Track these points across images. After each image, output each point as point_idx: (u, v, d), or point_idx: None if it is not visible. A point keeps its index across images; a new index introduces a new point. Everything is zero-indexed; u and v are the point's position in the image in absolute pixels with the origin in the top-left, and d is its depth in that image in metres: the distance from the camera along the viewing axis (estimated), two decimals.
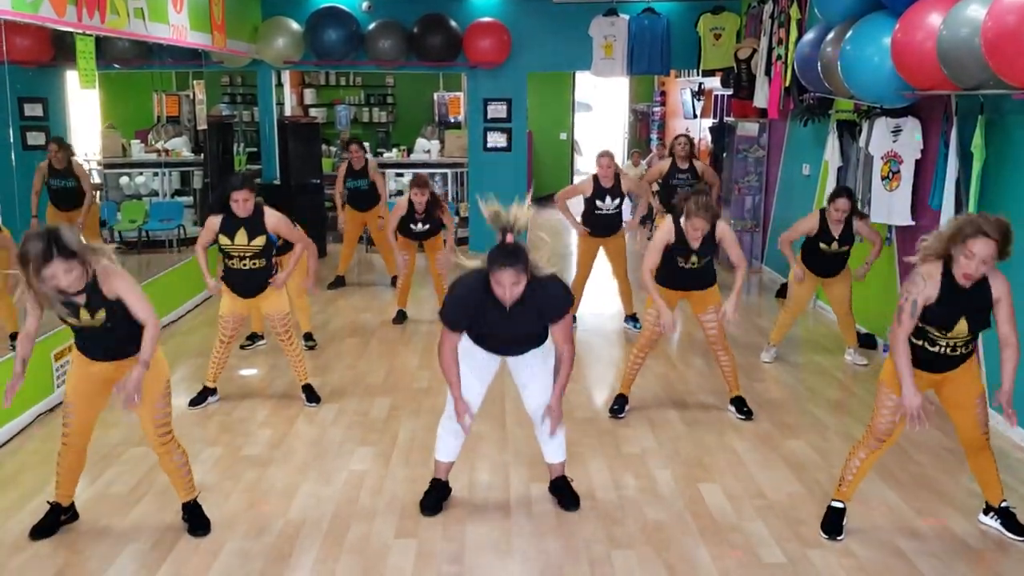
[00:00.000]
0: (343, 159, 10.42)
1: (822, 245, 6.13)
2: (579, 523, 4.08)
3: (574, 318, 7.43)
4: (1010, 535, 3.94)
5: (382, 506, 4.24)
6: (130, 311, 3.65)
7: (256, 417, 5.40)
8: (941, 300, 3.56)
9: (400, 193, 11.34)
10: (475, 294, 3.78)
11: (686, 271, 5.30)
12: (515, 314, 3.74)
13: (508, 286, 3.62)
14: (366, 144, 9.21)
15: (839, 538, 3.93)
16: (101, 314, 3.62)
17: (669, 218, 5.28)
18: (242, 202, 5.25)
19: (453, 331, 3.87)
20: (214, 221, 5.36)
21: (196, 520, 3.99)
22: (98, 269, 3.57)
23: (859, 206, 6.76)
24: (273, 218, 5.41)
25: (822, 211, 6.12)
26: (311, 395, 5.61)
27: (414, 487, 4.39)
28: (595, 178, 7.01)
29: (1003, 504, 4.00)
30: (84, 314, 3.61)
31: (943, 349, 3.68)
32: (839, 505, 4.02)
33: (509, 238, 3.69)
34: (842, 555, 3.81)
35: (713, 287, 5.40)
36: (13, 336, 5.53)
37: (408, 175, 11.37)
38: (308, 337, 6.85)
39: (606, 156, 7.01)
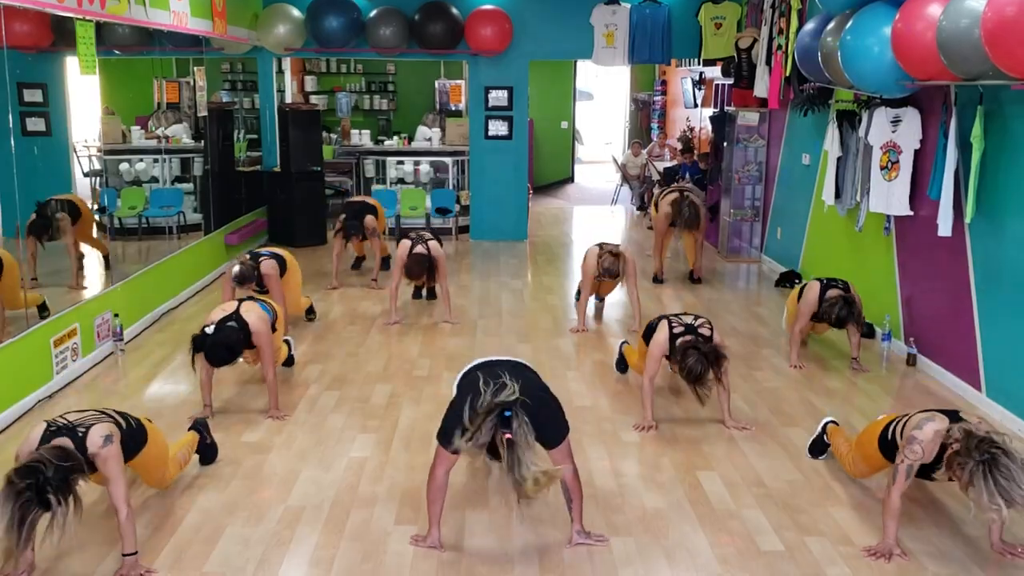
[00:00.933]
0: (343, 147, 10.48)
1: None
2: None
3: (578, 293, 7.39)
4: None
5: (382, 493, 4.27)
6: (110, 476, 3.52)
7: (256, 404, 5.42)
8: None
9: (401, 181, 11.36)
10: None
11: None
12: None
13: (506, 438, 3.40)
14: (371, 222, 8.49)
15: (822, 457, 4.58)
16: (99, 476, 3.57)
17: (665, 331, 5.04)
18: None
19: (448, 449, 3.59)
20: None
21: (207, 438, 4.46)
22: (97, 460, 3.48)
23: (858, 196, 6.78)
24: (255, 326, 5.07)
25: (821, 289, 5.99)
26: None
27: (414, 474, 4.41)
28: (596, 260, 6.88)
29: None
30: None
31: None
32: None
33: (508, 437, 3.35)
34: (839, 542, 3.83)
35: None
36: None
37: (409, 163, 11.40)
38: (309, 310, 7.12)
39: (608, 259, 6.81)
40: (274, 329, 5.34)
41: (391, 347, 6.61)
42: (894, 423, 3.90)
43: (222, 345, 4.87)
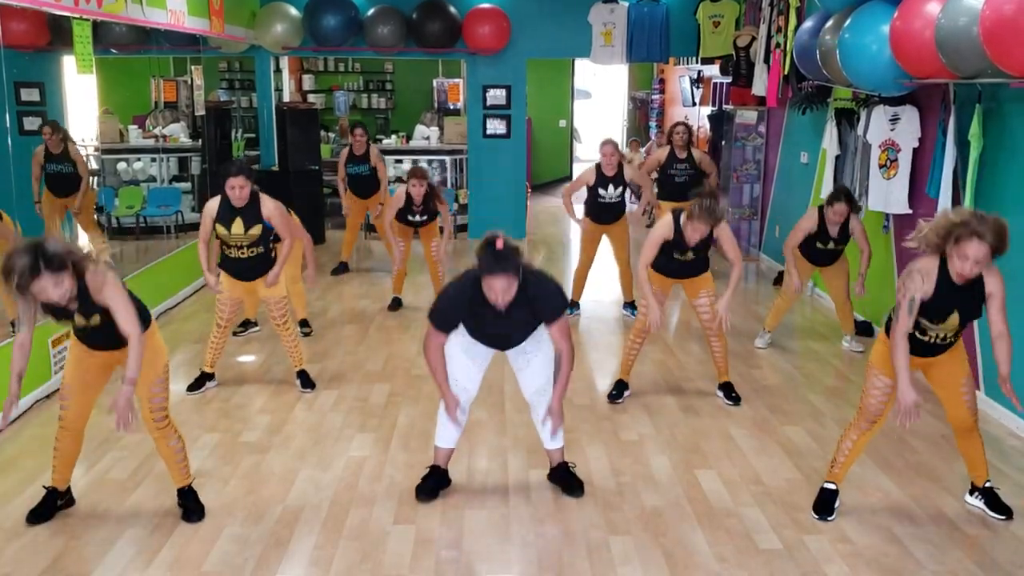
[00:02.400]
0: (344, 145, 10.44)
1: (819, 244, 6.18)
2: (577, 509, 4.10)
3: (576, 304, 7.44)
4: (992, 514, 4.04)
5: (381, 492, 4.26)
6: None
7: (254, 403, 5.42)
8: (936, 295, 3.60)
9: (400, 180, 11.35)
10: (466, 296, 3.76)
11: (680, 262, 5.32)
12: (509, 314, 3.72)
13: (500, 292, 3.59)
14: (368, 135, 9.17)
15: (830, 519, 3.99)
16: (95, 318, 3.61)
17: (670, 215, 5.24)
18: (238, 189, 5.19)
19: (440, 331, 3.85)
20: (211, 206, 5.34)
21: (191, 505, 4.00)
22: (88, 276, 3.51)
23: (857, 195, 6.77)
24: (269, 205, 5.35)
25: (820, 209, 6.12)
26: (306, 381, 5.62)
27: (413, 473, 4.41)
28: (598, 167, 7.00)
29: (987, 484, 4.10)
30: (79, 318, 3.62)
31: (932, 339, 3.75)
32: (831, 487, 4.08)
33: (499, 243, 3.58)
34: (837, 540, 3.83)
35: (706, 273, 5.43)
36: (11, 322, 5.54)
37: (407, 162, 11.38)
38: (304, 324, 6.85)
39: (609, 144, 6.97)
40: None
41: (390, 346, 6.60)
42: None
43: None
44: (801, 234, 6.21)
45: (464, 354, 4.02)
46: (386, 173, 8.91)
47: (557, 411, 4.02)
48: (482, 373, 4.13)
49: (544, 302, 3.78)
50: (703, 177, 7.96)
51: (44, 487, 4.01)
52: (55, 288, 3.38)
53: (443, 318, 3.84)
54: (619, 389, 5.50)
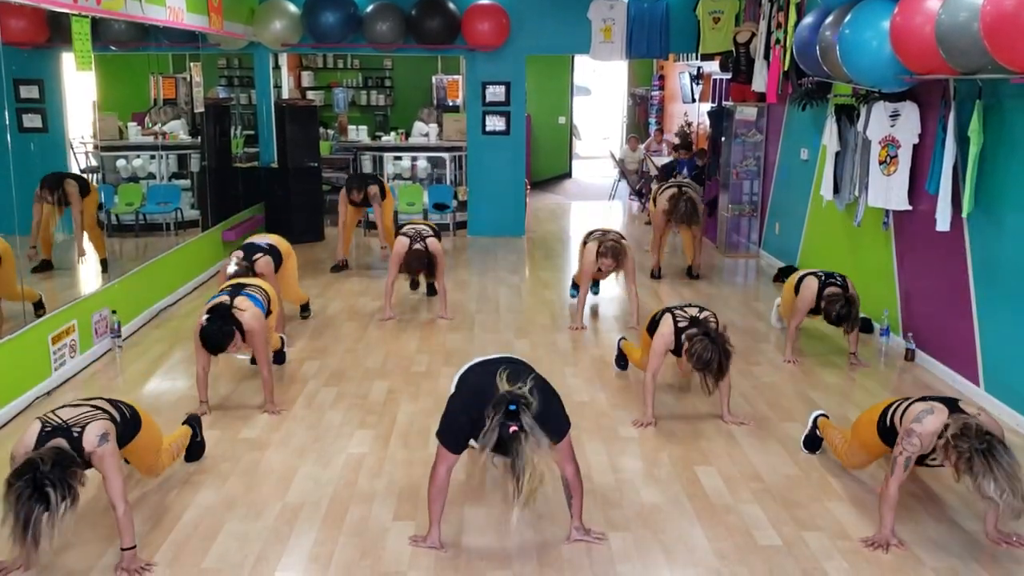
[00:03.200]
0: (341, 141, 10.49)
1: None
2: None
3: (577, 287, 7.37)
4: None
5: (381, 489, 4.26)
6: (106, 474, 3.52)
7: (254, 400, 5.41)
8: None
9: (399, 177, 11.35)
10: (469, 416, 3.55)
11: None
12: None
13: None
14: (370, 191, 8.88)
15: (817, 452, 4.59)
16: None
17: (671, 326, 5.02)
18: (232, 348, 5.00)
19: (451, 451, 3.64)
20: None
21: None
22: (93, 458, 3.48)
23: (856, 191, 6.76)
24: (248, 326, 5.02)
25: (819, 287, 5.92)
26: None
27: (412, 470, 4.41)
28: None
29: None
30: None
31: None
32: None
33: (512, 429, 3.33)
34: (838, 537, 3.83)
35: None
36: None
37: (406, 159, 11.38)
38: (304, 308, 7.10)
39: (608, 258, 6.78)
40: (268, 312, 5.38)
41: (389, 343, 6.60)
42: (892, 408, 3.90)
43: (214, 337, 4.86)
44: (801, 316, 6.07)
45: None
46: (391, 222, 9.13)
47: (581, 534, 3.80)
48: None
49: (550, 424, 3.51)
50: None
51: None
52: (67, 507, 3.23)
53: (453, 436, 3.62)
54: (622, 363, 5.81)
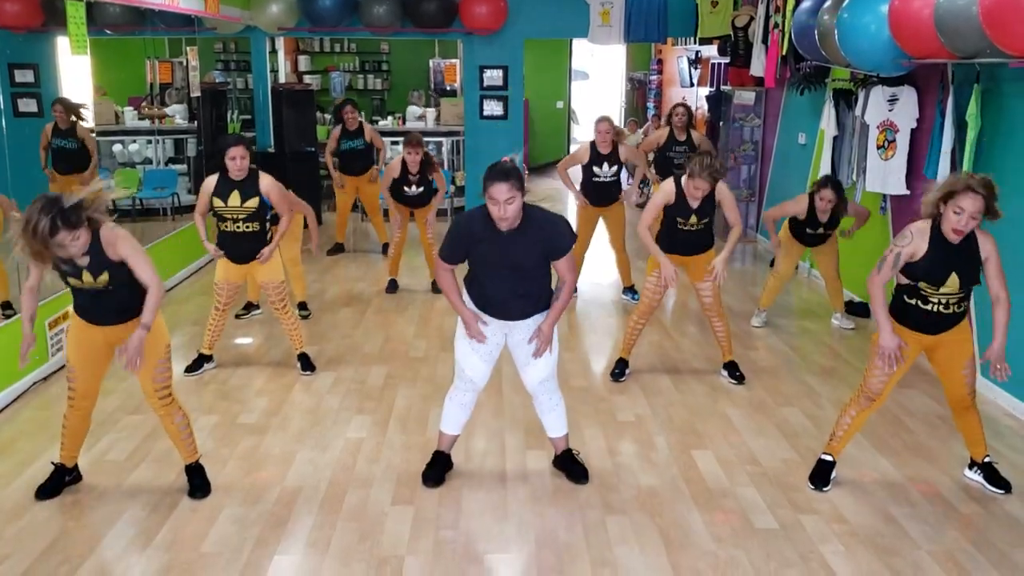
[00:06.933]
0: (336, 125, 10.39)
1: (808, 230, 6.28)
2: (574, 489, 4.12)
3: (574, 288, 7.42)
4: (991, 488, 4.10)
5: (379, 473, 4.28)
6: (133, 273, 3.65)
7: (252, 385, 5.42)
8: (930, 255, 3.70)
9: None
10: (474, 223, 3.78)
11: (685, 233, 5.33)
12: (515, 243, 3.72)
13: (502, 202, 3.59)
14: (361, 112, 9.17)
15: (825, 489, 4.10)
16: (104, 276, 3.63)
17: (670, 179, 5.30)
18: (238, 159, 5.25)
19: (448, 263, 3.88)
20: (209, 182, 5.39)
21: (197, 482, 4.04)
22: (102, 231, 3.57)
23: (854, 176, 6.76)
24: (267, 180, 5.38)
25: (811, 195, 6.14)
26: (306, 363, 5.62)
27: (410, 455, 4.43)
28: (592, 144, 6.95)
29: (986, 459, 4.16)
30: (87, 276, 3.62)
31: (936, 307, 3.79)
32: (828, 459, 4.17)
33: (504, 159, 3.73)
34: (833, 520, 3.85)
35: (710, 251, 5.43)
36: (3, 305, 5.53)
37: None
38: (302, 307, 6.84)
39: (604, 121, 6.90)
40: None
41: (387, 328, 6.60)
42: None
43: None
44: (783, 214, 6.40)
45: (473, 353, 4.00)
46: (383, 145, 8.95)
47: (547, 334, 3.98)
48: (490, 368, 4.10)
49: (552, 232, 3.81)
50: None
51: (52, 463, 4.04)
52: (72, 243, 3.43)
53: (451, 247, 3.85)
54: (621, 368, 5.52)
